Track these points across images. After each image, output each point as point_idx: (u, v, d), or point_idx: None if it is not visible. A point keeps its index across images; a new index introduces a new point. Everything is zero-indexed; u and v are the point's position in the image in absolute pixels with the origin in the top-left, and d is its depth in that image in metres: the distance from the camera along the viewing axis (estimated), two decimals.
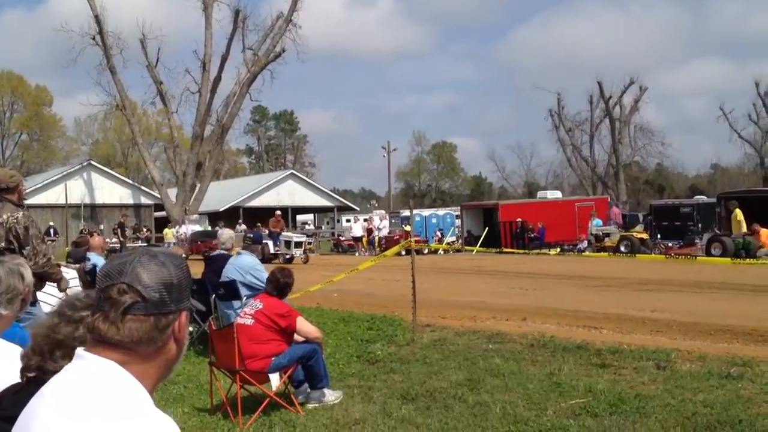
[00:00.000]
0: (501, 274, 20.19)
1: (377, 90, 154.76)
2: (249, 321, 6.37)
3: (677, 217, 30.98)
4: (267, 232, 29.02)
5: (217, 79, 40.65)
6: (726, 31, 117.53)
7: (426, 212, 48.60)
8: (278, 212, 32.27)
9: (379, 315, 11.11)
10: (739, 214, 22.81)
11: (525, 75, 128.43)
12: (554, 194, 42.49)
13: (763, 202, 24.72)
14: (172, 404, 6.50)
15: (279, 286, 6.65)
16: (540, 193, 45.69)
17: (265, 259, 25.04)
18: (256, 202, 51.36)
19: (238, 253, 9.43)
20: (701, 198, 39.43)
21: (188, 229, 36.11)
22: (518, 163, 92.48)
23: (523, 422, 5.59)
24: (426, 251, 32.37)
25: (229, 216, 44.56)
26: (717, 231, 25.02)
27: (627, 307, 12.07)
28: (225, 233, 11.51)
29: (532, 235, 33.57)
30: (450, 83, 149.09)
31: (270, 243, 27.81)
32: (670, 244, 28.54)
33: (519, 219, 34.30)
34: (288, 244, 28.76)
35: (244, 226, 38.14)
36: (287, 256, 27.86)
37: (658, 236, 29.91)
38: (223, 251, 10.07)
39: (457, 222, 41.98)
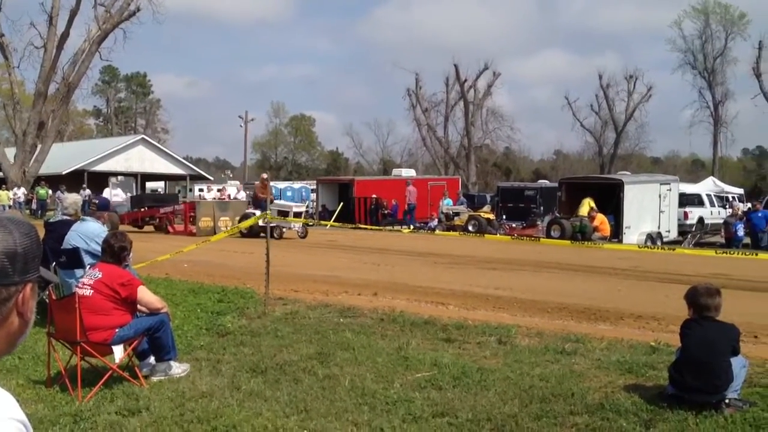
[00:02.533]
0: (355, 250, 20.40)
1: (236, 58, 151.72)
2: (88, 291, 6.09)
3: (521, 199, 32.41)
4: (247, 200, 27.09)
5: (65, 35, 38.19)
6: (573, 24, 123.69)
7: (281, 185, 48.24)
8: (265, 175, 26.01)
9: (231, 287, 10.94)
10: (590, 202, 24.00)
11: (385, 53, 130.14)
12: (408, 172, 43.27)
13: (599, 189, 26.29)
14: (5, 376, 6.14)
15: (114, 252, 6.42)
16: (395, 171, 46.41)
17: (253, 233, 22.29)
18: (102, 167, 48.94)
19: (82, 219, 8.98)
20: (544, 182, 41.55)
21: (113, 194, 33.34)
22: (375, 140, 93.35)
23: (371, 395, 5.70)
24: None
25: (73, 180, 42.26)
26: (557, 214, 26.42)
27: (473, 284, 12.55)
28: (69, 198, 10.91)
29: (386, 212, 34.10)
30: (310, 56, 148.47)
31: (257, 213, 22.25)
32: (514, 225, 29.85)
33: (374, 195, 34.72)
34: (283, 214, 23.32)
35: (88, 191, 36.22)
36: (283, 229, 22.99)
37: (503, 217, 31.18)
38: (66, 217, 9.55)
39: (313, 196, 41.95)
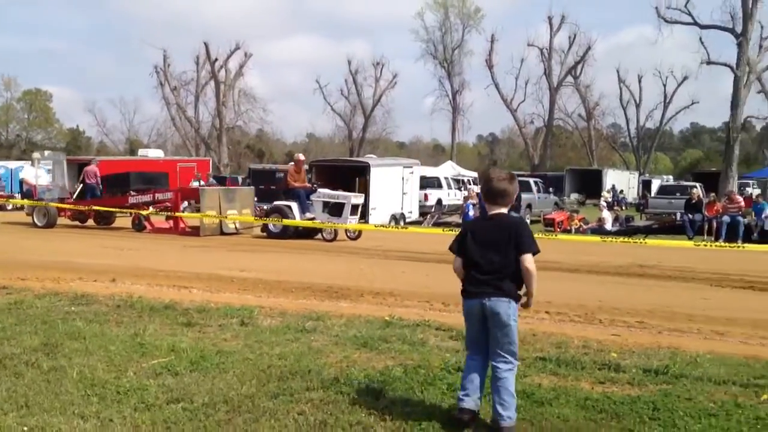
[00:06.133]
0: (93, 233, 19.28)
1: None
2: None
3: (273, 180, 32.56)
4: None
5: None
6: (325, 10, 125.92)
7: (13, 165, 44.15)
8: (300, 155, 20.52)
9: None
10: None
11: (134, 28, 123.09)
12: (156, 153, 41.58)
13: (348, 171, 27.11)
14: None
15: None
16: (141, 151, 44.35)
17: (289, 233, 18.09)
18: None
19: None
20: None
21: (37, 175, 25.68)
22: (120, 119, 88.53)
23: (101, 385, 5.40)
24: (10, 207, 29.62)
25: None
26: None
27: (219, 267, 12.39)
28: None
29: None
30: (47, 26, 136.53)
31: (294, 207, 18.54)
32: (265, 207, 29.88)
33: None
34: (337, 208, 18.31)
35: None
36: (330, 233, 18.00)
37: (255, 199, 31.09)
38: None
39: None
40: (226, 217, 19.17)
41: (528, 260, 4.49)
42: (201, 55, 65.70)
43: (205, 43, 64.49)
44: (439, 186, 33.85)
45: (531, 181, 33.80)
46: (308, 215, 18.09)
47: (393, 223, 24.68)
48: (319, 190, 19.10)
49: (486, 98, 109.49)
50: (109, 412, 4.90)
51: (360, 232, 18.07)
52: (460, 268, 4.75)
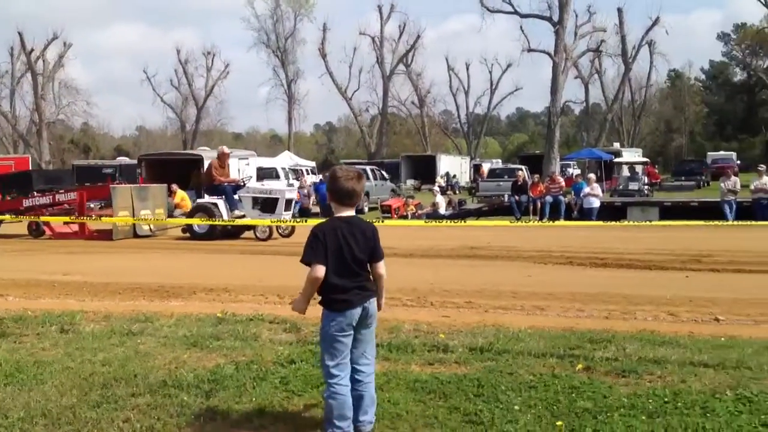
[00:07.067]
0: None
1: None
2: None
3: (101, 177, 31.09)
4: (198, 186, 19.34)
5: None
6: None
7: None
8: (225, 148, 18.66)
9: None
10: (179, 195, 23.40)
11: None
12: None
13: (181, 165, 26.33)
14: None
15: None
16: None
17: (216, 234, 16.46)
18: None
19: None
20: (124, 159, 40.37)
21: None
22: None
23: None
24: None
25: None
26: None
27: (39, 271, 11.65)
28: None
29: None
30: None
31: (220, 204, 16.90)
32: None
33: None
34: (270, 204, 16.96)
35: None
36: (266, 232, 16.89)
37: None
38: None
39: None
40: (160, 220, 18.00)
41: (383, 267, 4.41)
42: (16, 46, 61.48)
43: (19, 33, 60.30)
44: (277, 177, 33.59)
45: (368, 168, 34.28)
46: (237, 213, 16.71)
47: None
48: (248, 185, 18.00)
49: (321, 87, 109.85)
50: None
51: (293, 228, 16.91)
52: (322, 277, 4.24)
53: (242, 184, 17.93)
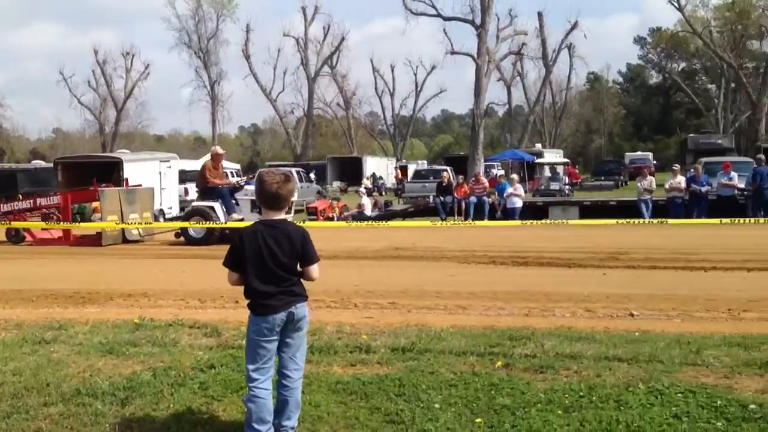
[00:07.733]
0: None
1: None
2: None
3: (13, 182, 29.96)
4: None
5: None
6: None
7: None
8: (218, 148, 17.49)
9: None
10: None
11: None
12: None
13: (99, 167, 25.58)
14: None
15: None
16: None
17: (211, 240, 15.71)
18: None
19: None
20: (39, 163, 39.03)
21: None
22: None
23: None
24: None
25: None
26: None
27: None
28: None
29: None
30: None
31: (217, 207, 16.21)
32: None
33: None
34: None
35: None
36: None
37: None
38: None
39: None
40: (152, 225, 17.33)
41: (315, 270, 4.36)
42: None
43: None
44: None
45: (293, 170, 34.02)
46: (235, 216, 15.91)
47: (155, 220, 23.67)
48: (247, 186, 17.21)
49: (245, 89, 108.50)
50: None
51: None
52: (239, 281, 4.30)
53: (238, 186, 17.45)
